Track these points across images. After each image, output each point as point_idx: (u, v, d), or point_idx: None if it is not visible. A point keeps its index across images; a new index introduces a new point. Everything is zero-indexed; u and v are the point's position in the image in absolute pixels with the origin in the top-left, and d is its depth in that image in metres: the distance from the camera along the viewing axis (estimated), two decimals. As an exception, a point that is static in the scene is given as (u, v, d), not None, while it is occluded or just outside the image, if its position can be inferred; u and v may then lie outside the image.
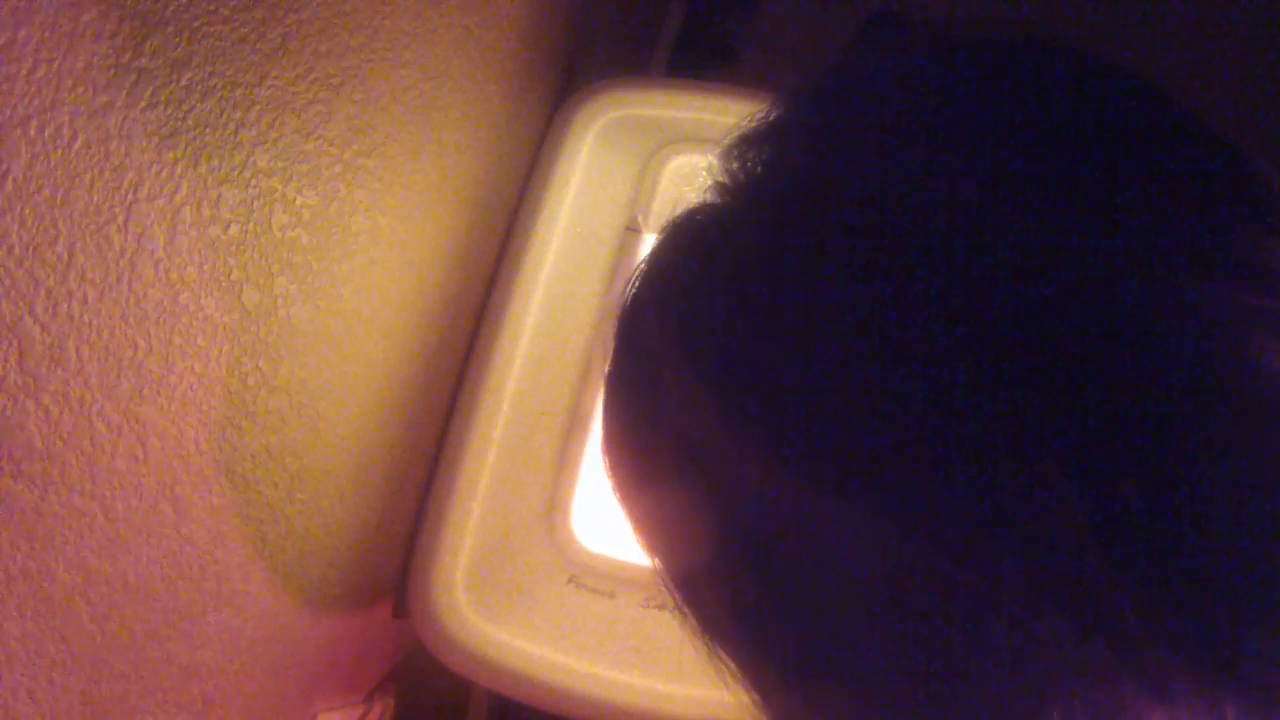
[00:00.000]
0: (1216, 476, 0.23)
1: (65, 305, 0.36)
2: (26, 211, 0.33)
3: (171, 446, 0.45)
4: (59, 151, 0.34)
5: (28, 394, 0.35)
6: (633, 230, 0.82)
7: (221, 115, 0.42)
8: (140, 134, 0.38)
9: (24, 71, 0.32)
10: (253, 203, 0.46)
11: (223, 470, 0.49)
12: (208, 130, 0.42)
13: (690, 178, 0.86)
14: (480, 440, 0.71)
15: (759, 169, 0.32)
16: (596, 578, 0.71)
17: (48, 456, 0.37)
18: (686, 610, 0.36)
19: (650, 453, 0.35)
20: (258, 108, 0.45)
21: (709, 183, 0.35)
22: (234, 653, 0.55)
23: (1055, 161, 0.27)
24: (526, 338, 0.74)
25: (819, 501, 0.26)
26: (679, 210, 0.36)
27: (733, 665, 0.33)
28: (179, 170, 0.40)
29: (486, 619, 0.67)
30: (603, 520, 0.83)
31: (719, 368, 0.29)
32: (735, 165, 0.33)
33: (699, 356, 0.30)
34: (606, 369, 0.38)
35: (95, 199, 0.36)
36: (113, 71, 0.36)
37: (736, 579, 0.32)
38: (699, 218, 0.35)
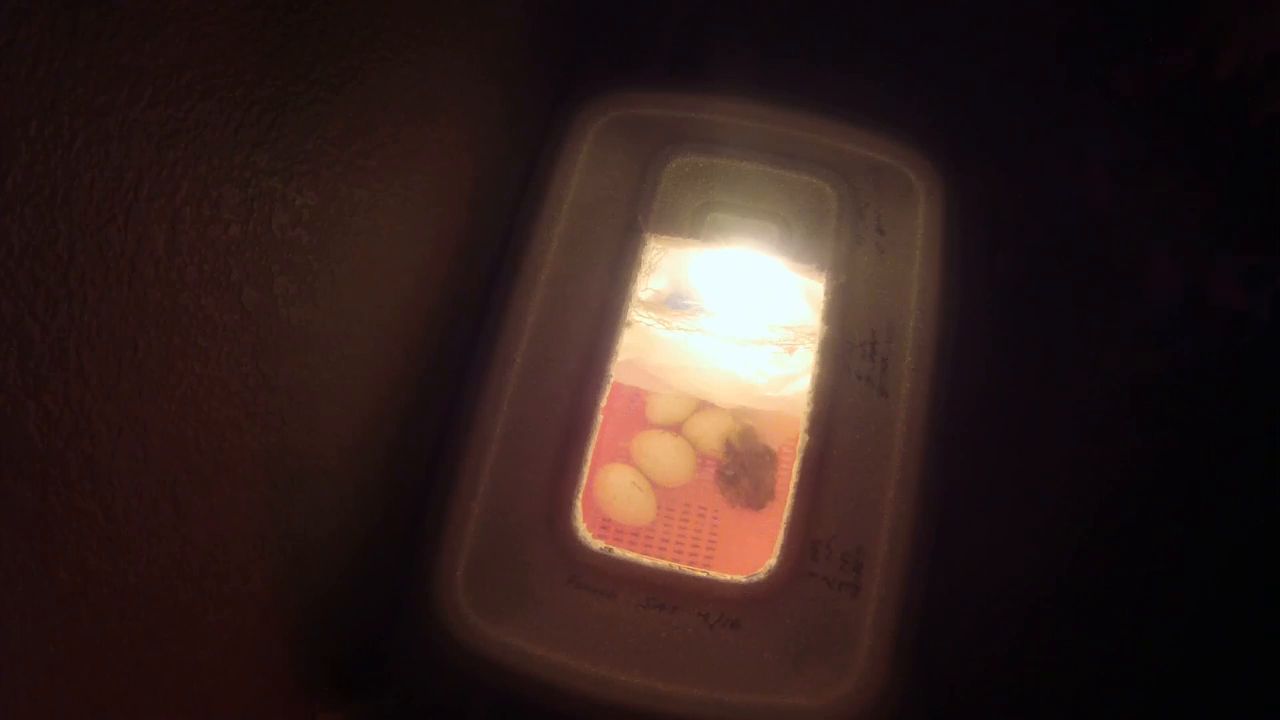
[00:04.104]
0: None
1: (65, 305, 0.36)
2: (26, 211, 0.33)
3: (171, 446, 0.44)
4: (59, 151, 0.34)
5: (28, 394, 0.35)
6: (633, 230, 0.82)
7: (221, 115, 0.42)
8: (140, 134, 0.38)
9: (24, 71, 0.32)
10: (253, 203, 0.46)
11: (223, 470, 0.49)
12: (208, 130, 0.42)
13: (690, 178, 0.86)
14: (480, 440, 0.71)
15: None
16: (596, 578, 0.71)
17: (48, 456, 0.37)
18: None
19: None
20: (258, 108, 0.45)
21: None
22: (234, 653, 0.55)
23: None
24: (526, 338, 0.74)
25: None
26: None
27: None
28: (179, 170, 0.40)
29: (486, 619, 0.67)
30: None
31: None
32: None
33: None
34: None
35: (95, 199, 0.36)
36: (113, 71, 0.36)
37: None
38: None
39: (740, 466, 0.88)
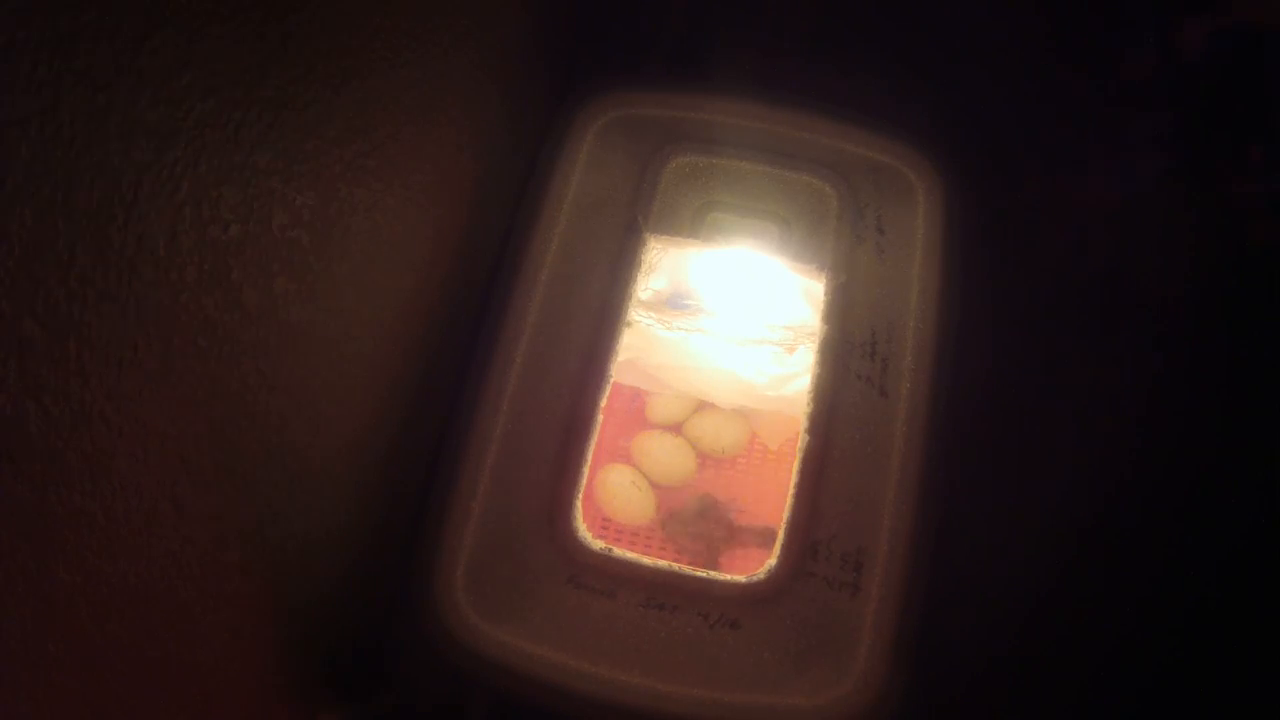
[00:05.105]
0: None
1: (65, 305, 0.36)
2: (26, 212, 0.33)
3: (171, 446, 0.44)
4: (59, 151, 0.34)
5: (28, 394, 0.35)
6: (633, 230, 0.82)
7: (221, 115, 0.42)
8: (140, 134, 0.38)
9: (24, 71, 0.32)
10: (253, 203, 0.46)
11: (223, 470, 0.49)
12: (208, 130, 0.42)
13: (690, 178, 0.86)
14: (480, 440, 0.71)
15: None
16: (596, 578, 0.71)
17: (48, 456, 0.37)
18: None
19: None
20: (258, 107, 0.45)
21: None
22: (234, 653, 0.55)
23: None
24: (526, 338, 0.74)
25: None
26: None
27: None
28: (179, 170, 0.40)
29: (486, 619, 0.67)
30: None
31: None
32: None
33: None
34: None
35: (95, 199, 0.36)
36: (113, 71, 0.36)
37: None
38: None
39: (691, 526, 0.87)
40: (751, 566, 0.71)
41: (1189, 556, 0.80)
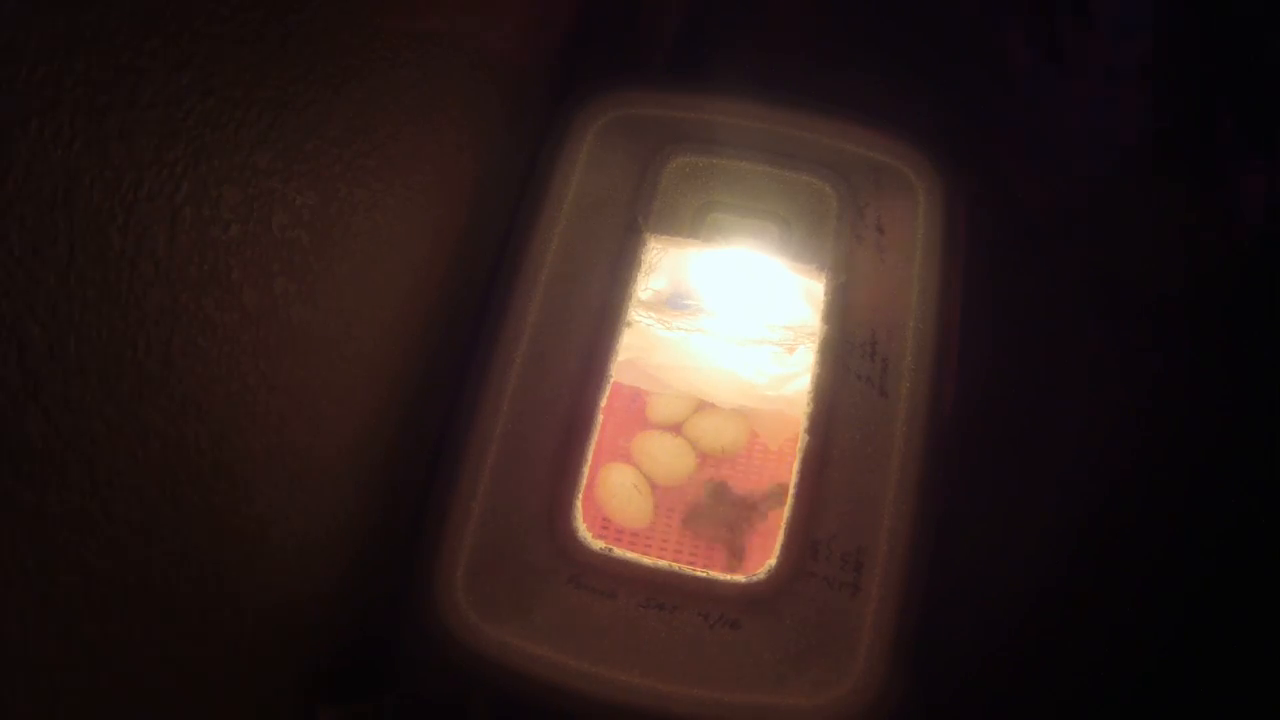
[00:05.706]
0: None
1: (65, 305, 0.36)
2: (26, 211, 0.33)
3: (171, 446, 0.44)
4: (59, 151, 0.34)
5: (28, 394, 0.35)
6: (633, 230, 0.82)
7: (221, 115, 0.42)
8: (140, 134, 0.38)
9: (24, 71, 0.32)
10: (253, 203, 0.46)
11: (222, 470, 0.49)
12: (208, 130, 0.42)
13: (690, 178, 0.86)
14: (480, 440, 0.71)
15: None
16: (597, 578, 0.71)
17: (48, 456, 0.37)
18: None
19: None
20: (258, 107, 0.45)
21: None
22: (234, 652, 0.55)
23: None
24: (526, 338, 0.74)
25: None
26: None
27: None
28: (179, 170, 0.40)
29: (487, 619, 0.67)
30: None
31: None
32: None
33: None
34: None
35: (95, 199, 0.36)
36: (113, 71, 0.36)
37: None
38: None
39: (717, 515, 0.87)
40: (775, 532, 0.71)
41: (1188, 556, 0.80)
